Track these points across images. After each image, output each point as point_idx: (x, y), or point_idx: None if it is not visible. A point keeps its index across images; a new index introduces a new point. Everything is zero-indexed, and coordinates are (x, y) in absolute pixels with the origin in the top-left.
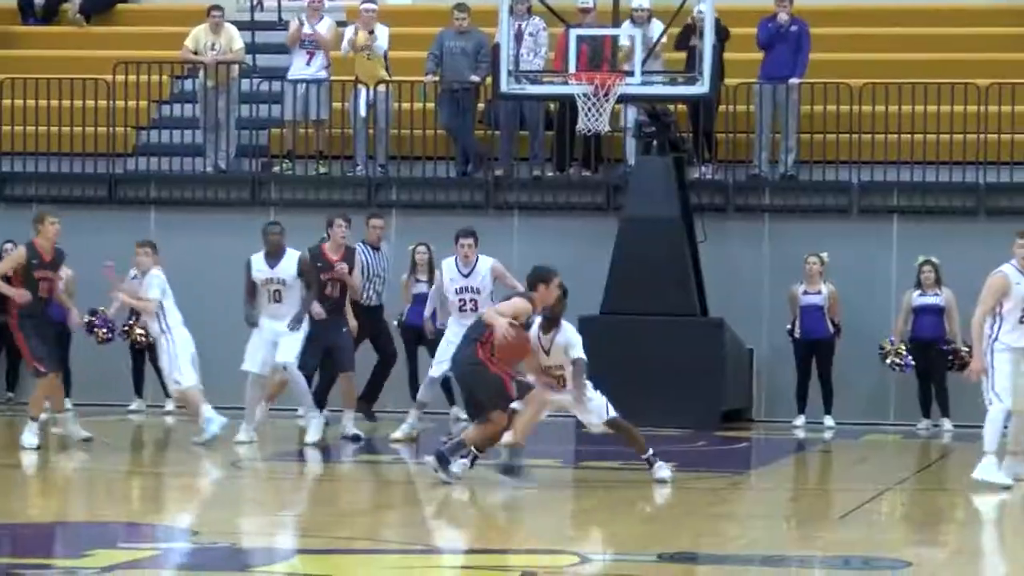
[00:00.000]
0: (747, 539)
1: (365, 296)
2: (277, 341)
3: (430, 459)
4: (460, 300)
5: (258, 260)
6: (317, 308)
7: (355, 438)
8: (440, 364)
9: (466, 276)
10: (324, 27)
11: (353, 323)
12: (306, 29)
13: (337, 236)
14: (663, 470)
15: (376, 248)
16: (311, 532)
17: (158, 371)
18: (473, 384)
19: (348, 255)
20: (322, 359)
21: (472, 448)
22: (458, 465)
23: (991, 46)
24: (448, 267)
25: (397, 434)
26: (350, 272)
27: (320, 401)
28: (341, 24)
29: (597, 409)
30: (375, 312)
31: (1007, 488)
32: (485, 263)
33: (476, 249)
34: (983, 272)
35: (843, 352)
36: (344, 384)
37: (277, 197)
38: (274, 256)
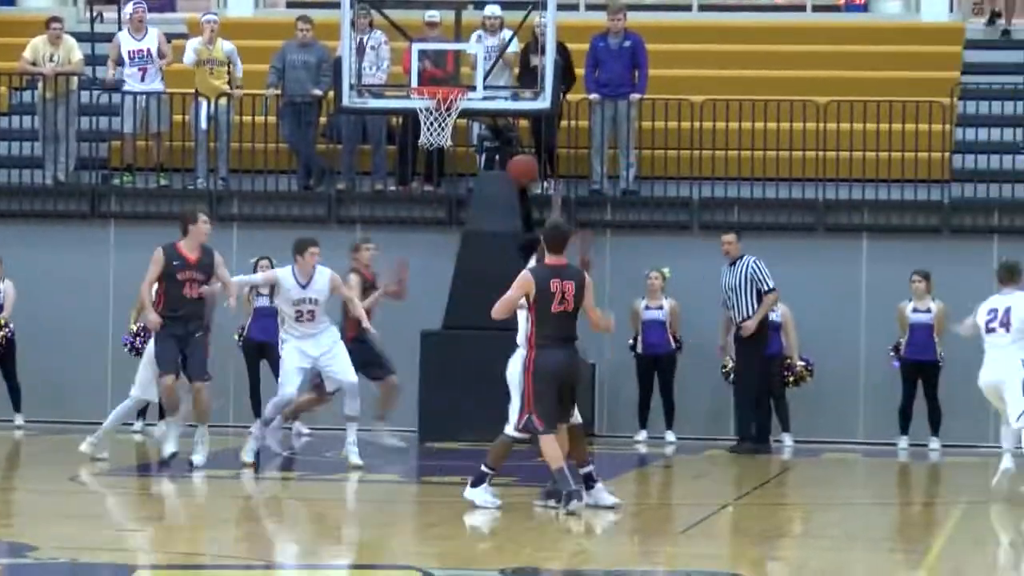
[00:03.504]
0: (589, 554)
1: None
2: None
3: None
4: (297, 311)
5: None
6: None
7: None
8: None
9: (304, 287)
10: (152, 41)
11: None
12: (132, 46)
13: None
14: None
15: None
16: (153, 548)
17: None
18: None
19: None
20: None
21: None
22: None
23: (830, 63)
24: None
25: (354, 460)
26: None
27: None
28: (182, 37)
29: None
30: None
31: None
32: (323, 274)
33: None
34: (821, 288)
35: (684, 367)
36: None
37: (117, 210)
38: None
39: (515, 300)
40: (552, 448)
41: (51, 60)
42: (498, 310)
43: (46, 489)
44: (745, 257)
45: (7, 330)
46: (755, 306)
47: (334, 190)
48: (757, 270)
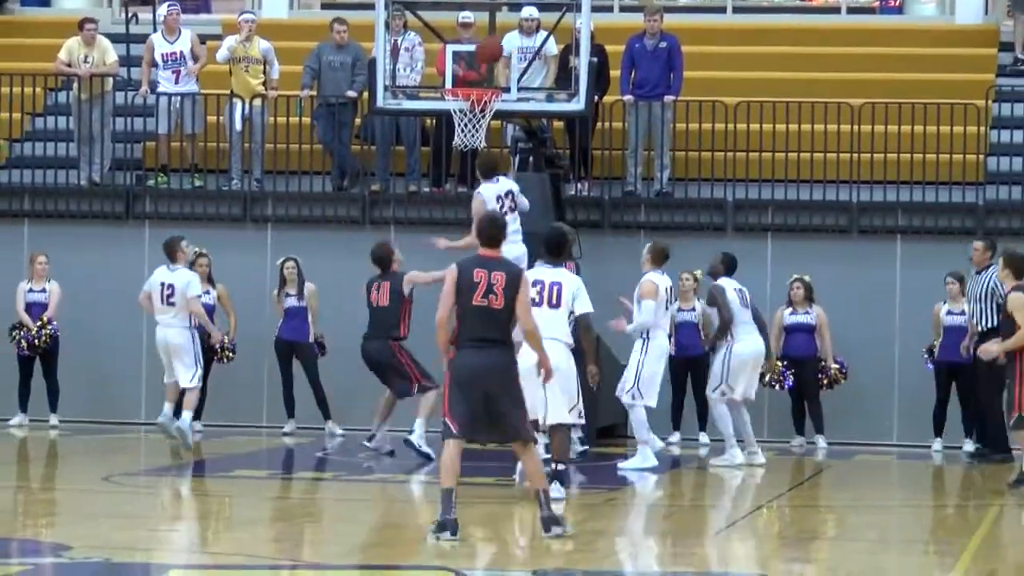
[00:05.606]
0: (622, 555)
1: None
2: None
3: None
4: None
5: None
6: None
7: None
8: None
9: None
10: (185, 44)
11: None
12: (165, 49)
13: None
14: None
15: None
16: (187, 547)
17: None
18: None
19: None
20: None
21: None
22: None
23: (864, 65)
24: None
25: None
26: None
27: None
28: (216, 38)
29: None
30: None
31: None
32: None
33: None
34: (855, 290)
35: None
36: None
37: (152, 210)
38: None
39: (448, 294)
40: (450, 456)
41: (86, 61)
42: (438, 311)
43: (81, 489)
44: (992, 267)
45: (51, 328)
46: (995, 318)
47: (368, 191)
48: (1000, 281)
